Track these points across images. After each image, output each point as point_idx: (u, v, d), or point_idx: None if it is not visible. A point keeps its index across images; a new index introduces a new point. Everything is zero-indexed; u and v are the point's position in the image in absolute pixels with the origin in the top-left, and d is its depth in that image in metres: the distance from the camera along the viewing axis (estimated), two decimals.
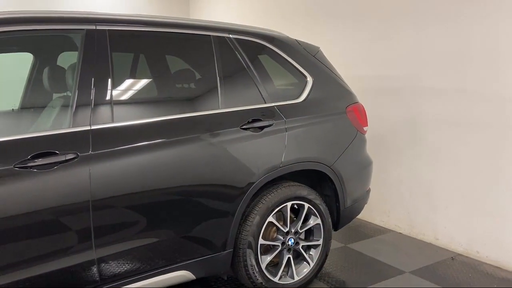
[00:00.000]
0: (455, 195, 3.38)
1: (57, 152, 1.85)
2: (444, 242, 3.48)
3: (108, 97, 2.06)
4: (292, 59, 2.79)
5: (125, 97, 2.22)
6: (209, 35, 2.48)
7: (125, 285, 2.07)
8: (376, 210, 4.04)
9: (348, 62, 4.07)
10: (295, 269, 2.68)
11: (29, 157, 1.79)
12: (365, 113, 3.08)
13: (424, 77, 3.52)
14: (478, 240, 3.25)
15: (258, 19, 5.39)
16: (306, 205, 2.68)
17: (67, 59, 2.50)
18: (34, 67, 2.70)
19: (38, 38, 2.19)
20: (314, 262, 2.76)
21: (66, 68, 2.25)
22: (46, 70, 2.23)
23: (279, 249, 2.61)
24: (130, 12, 6.31)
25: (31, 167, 1.78)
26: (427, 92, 3.51)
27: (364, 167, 3.05)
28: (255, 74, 2.58)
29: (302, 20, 4.70)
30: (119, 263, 2.04)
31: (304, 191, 2.66)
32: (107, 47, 2.09)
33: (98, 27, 2.10)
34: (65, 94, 2.17)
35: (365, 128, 3.05)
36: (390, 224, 3.95)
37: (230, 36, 2.57)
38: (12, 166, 1.75)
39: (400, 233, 3.84)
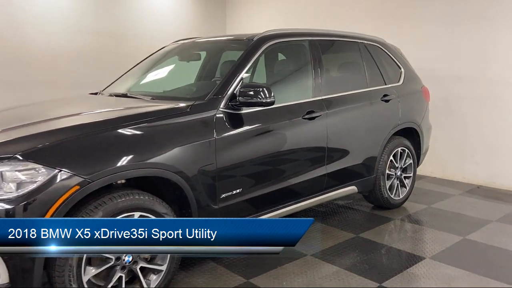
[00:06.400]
0: (479, 146, 5.11)
1: (314, 110, 3.23)
2: (470, 179, 5.22)
3: (324, 80, 3.45)
4: (393, 56, 4.30)
5: (328, 80, 3.58)
6: (357, 42, 3.94)
7: (334, 191, 3.52)
8: None
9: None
10: (400, 191, 4.24)
11: (305, 113, 3.16)
12: (428, 92, 4.68)
13: (456, 67, 5.19)
14: (494, 175, 5.01)
15: (315, 21, 6.81)
16: (407, 151, 4.23)
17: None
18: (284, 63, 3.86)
19: (290, 46, 3.54)
20: (408, 187, 4.33)
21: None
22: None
23: (394, 177, 4.15)
24: (172, 15, 7.32)
25: (306, 118, 3.16)
26: (458, 78, 5.19)
27: (429, 128, 4.66)
28: (379, 65, 4.06)
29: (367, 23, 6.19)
30: (333, 177, 3.48)
31: (406, 141, 4.22)
32: (319, 51, 3.48)
33: (313, 38, 3.48)
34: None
35: (429, 102, 4.66)
36: (426, 171, 5.62)
37: (364, 42, 4.03)
38: (300, 118, 3.13)
39: (434, 177, 5.54)
